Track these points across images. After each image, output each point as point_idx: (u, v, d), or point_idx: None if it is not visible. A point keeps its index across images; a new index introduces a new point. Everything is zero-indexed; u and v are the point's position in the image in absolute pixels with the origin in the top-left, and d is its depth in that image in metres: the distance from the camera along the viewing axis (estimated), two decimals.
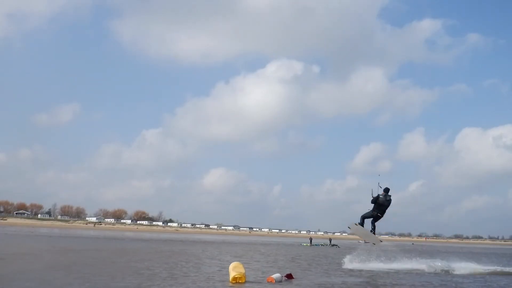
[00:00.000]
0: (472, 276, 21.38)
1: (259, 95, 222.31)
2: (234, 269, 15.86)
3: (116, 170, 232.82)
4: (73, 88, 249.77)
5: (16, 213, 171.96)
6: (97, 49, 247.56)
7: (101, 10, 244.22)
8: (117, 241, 48.31)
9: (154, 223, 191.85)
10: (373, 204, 17.40)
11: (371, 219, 17.52)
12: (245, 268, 16.48)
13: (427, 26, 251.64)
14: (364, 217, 17.12)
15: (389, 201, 17.06)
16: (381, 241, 19.42)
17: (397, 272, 21.51)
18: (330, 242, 71.92)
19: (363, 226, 17.29)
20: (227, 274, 16.19)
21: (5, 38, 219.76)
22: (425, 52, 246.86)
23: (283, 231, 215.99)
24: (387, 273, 20.91)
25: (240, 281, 15.40)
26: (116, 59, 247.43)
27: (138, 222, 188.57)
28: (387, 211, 17.25)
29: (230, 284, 15.23)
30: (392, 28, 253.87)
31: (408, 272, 21.54)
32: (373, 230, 17.47)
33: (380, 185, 17.22)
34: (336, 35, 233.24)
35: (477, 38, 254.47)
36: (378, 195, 17.18)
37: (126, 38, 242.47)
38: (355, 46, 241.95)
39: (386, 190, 17.05)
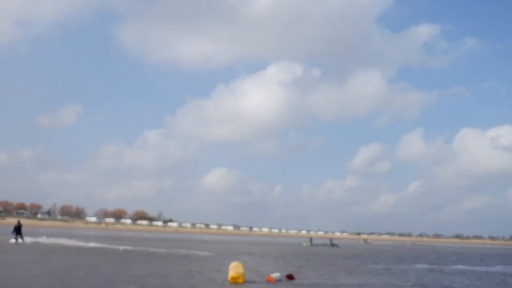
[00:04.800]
0: None
1: (260, 97, 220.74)
2: (233, 269, 15.64)
3: (117, 171, 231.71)
4: (76, 90, 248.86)
5: (16, 213, 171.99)
6: (100, 52, 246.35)
7: (105, 15, 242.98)
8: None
9: (153, 223, 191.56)
10: None
11: None
12: (244, 267, 16.19)
13: (425, 30, 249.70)
14: None
15: None
16: None
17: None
18: (331, 242, 71.71)
19: None
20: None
21: (12, 43, 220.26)
22: (423, 56, 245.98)
23: (283, 231, 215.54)
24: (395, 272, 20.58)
25: (238, 281, 15.19)
26: (119, 62, 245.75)
27: (137, 222, 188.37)
28: None
29: (229, 284, 15.01)
30: (390, 33, 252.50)
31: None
32: None
33: None
34: (335, 40, 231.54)
35: (475, 42, 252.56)
36: None
37: (128, 42, 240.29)
38: (354, 50, 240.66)
39: None
